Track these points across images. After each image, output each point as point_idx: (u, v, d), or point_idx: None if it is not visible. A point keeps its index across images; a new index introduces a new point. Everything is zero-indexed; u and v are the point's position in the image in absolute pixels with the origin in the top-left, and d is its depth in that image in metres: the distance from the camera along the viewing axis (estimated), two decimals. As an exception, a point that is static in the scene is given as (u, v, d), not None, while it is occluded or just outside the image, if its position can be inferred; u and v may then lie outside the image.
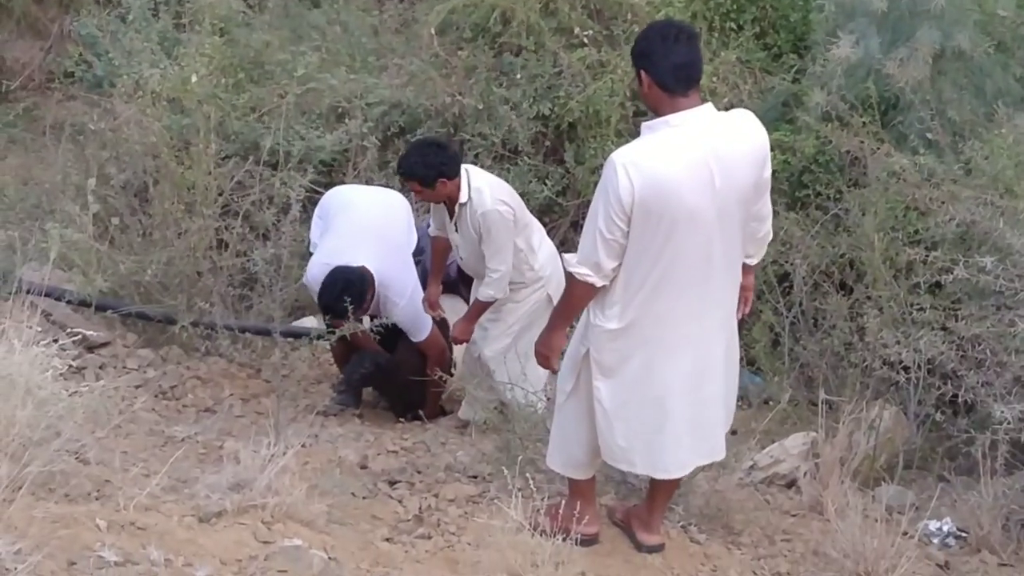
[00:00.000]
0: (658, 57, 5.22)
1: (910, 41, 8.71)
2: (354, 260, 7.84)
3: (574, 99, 10.29)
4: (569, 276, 5.45)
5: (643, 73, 5.27)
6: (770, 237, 5.68)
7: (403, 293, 8.06)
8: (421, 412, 8.36)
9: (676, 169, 5.16)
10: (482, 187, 7.63)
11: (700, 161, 5.17)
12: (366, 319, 8.03)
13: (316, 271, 7.92)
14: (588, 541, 5.80)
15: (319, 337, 7.33)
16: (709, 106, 5.29)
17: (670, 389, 5.49)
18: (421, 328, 8.23)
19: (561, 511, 5.80)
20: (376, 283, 7.89)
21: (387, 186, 9.33)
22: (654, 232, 5.20)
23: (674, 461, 5.65)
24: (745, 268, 5.65)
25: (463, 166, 7.71)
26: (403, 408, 8.52)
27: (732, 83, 10.08)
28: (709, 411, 5.64)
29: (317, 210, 8.37)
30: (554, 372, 5.93)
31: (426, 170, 7.54)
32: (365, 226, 8.14)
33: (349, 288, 7.61)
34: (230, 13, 10.80)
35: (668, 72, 5.20)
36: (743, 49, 10.41)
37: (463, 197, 7.62)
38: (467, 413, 8.03)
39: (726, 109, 5.35)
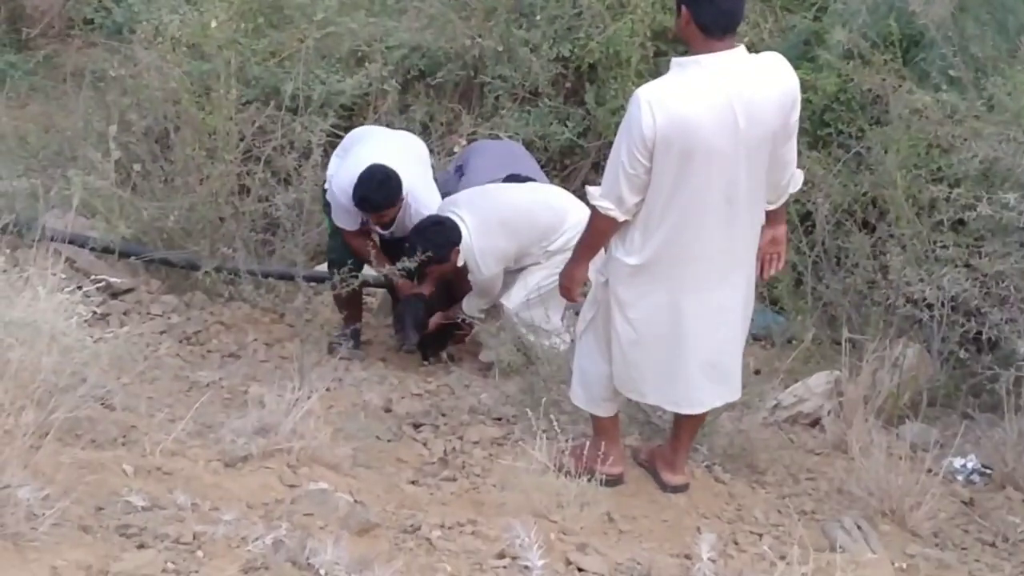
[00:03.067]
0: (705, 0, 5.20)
1: (937, -24, 8.65)
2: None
3: (594, 40, 10.27)
4: (592, 208, 5.47)
5: (684, 8, 5.23)
6: (796, 186, 5.63)
7: (429, 205, 8.03)
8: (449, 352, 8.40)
9: (699, 109, 5.15)
10: (468, 260, 7.87)
11: (724, 102, 5.15)
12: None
13: (345, 179, 7.86)
14: (613, 481, 5.83)
15: (342, 281, 7.31)
16: (742, 49, 5.26)
17: (687, 327, 5.51)
18: None
19: (586, 452, 5.82)
20: (404, 189, 7.86)
21: (406, 130, 9.32)
22: (674, 170, 5.20)
23: (685, 397, 5.68)
24: (775, 217, 5.66)
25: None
26: (437, 341, 8.51)
27: (753, 21, 10.01)
28: (726, 351, 5.66)
29: (337, 149, 8.32)
30: (574, 302, 5.97)
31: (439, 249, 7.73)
32: (387, 147, 8.08)
33: (387, 181, 7.72)
34: (249, -43, 10.76)
35: (710, 15, 5.17)
36: (764, -13, 10.36)
37: (459, 263, 7.88)
38: (490, 355, 8.03)
39: (748, 48, 5.31)
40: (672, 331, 5.52)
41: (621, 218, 5.38)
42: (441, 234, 7.73)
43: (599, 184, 5.47)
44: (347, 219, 8.01)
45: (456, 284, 8.16)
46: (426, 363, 8.30)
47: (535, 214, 8.01)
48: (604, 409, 5.89)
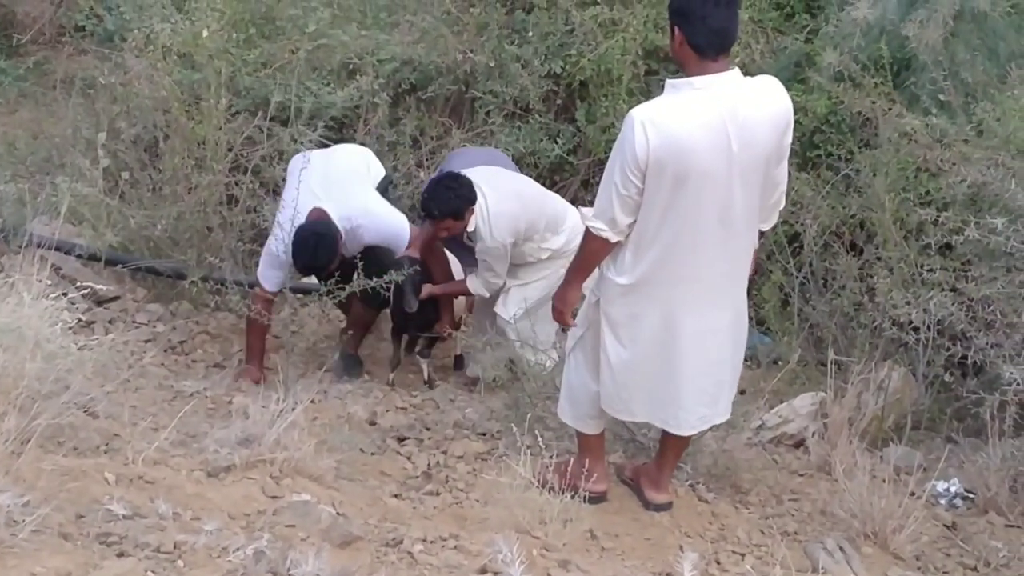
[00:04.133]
0: (696, 18, 5.17)
1: (929, 2, 8.67)
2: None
3: (586, 57, 10.27)
4: (585, 230, 5.47)
5: (676, 30, 5.23)
6: (782, 204, 5.64)
7: (365, 211, 7.80)
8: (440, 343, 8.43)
9: (692, 129, 5.14)
10: (480, 225, 7.72)
11: (718, 124, 5.15)
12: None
13: (281, 244, 7.66)
14: (596, 499, 5.82)
15: (328, 293, 7.29)
16: (736, 71, 5.26)
17: (679, 348, 5.50)
18: (398, 238, 7.88)
19: (570, 468, 5.82)
20: (336, 219, 7.65)
21: (396, 143, 9.33)
22: (667, 191, 5.19)
23: (674, 417, 5.67)
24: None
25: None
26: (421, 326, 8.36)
27: (744, 43, 10.01)
28: (716, 372, 5.65)
29: (284, 190, 8.11)
30: (566, 326, 5.92)
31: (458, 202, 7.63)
32: (312, 185, 7.80)
33: (321, 240, 7.53)
34: (241, -33, 10.74)
35: (703, 35, 5.17)
36: (755, 8, 10.36)
37: (471, 227, 7.74)
38: (476, 370, 8.01)
39: (739, 69, 5.32)
40: (663, 352, 5.52)
41: (614, 239, 5.37)
42: (461, 187, 7.63)
43: (590, 204, 5.47)
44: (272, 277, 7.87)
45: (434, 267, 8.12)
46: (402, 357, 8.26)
47: (544, 199, 8.08)
48: (590, 426, 5.89)
